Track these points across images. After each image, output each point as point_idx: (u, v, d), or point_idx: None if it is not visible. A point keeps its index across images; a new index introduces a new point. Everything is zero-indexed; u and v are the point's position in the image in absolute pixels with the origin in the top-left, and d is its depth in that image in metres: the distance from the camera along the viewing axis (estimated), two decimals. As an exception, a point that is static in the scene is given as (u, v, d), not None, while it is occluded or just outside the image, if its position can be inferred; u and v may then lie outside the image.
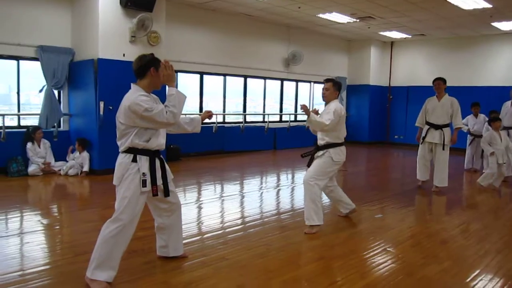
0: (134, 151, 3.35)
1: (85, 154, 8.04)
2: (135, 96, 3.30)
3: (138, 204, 3.37)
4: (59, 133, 8.59)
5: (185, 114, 9.67)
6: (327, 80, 5.20)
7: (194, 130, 3.93)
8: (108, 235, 3.29)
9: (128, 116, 3.29)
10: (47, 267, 3.75)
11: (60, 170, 8.00)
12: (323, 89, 5.16)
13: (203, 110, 10.15)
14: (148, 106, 3.25)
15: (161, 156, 3.57)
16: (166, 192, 3.56)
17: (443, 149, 7.18)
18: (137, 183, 3.32)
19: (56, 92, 8.52)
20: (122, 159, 3.37)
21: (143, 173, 3.34)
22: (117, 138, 3.42)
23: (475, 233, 5.15)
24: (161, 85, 3.52)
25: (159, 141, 3.47)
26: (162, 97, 3.49)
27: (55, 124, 8.46)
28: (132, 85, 3.45)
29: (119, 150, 3.42)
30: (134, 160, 3.34)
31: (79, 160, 8.03)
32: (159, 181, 3.46)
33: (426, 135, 7.37)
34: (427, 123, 7.37)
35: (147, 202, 3.55)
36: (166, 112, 3.31)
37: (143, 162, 3.36)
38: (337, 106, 5.02)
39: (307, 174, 5.06)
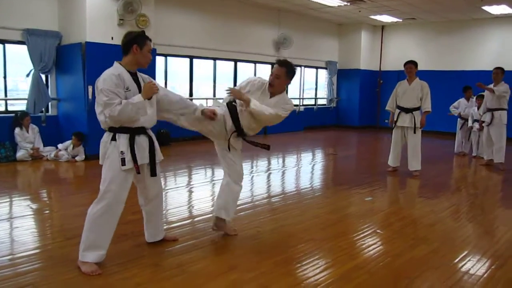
0: (113, 130, 3.31)
1: (81, 148, 7.95)
2: (108, 73, 3.25)
3: (123, 183, 3.32)
4: (48, 118, 8.49)
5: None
6: (280, 63, 3.95)
7: (139, 120, 3.40)
8: (94, 216, 3.27)
9: (96, 92, 3.27)
10: (37, 251, 3.73)
11: (48, 155, 7.92)
12: (271, 75, 3.95)
13: (196, 99, 9.99)
14: (103, 87, 3.17)
15: (151, 134, 3.49)
16: (153, 172, 3.50)
17: (414, 132, 7.19)
18: (117, 162, 3.27)
19: (43, 76, 8.39)
20: (103, 138, 3.35)
21: (121, 151, 3.27)
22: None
23: (463, 215, 5.22)
24: (147, 64, 3.45)
25: (143, 119, 3.36)
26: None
27: (43, 109, 8.36)
28: (115, 62, 3.39)
29: (102, 127, 3.38)
30: (114, 138, 3.29)
31: (74, 152, 7.92)
32: (141, 160, 3.37)
33: (397, 119, 7.33)
34: (398, 107, 7.33)
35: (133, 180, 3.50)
36: (114, 110, 3.16)
37: (122, 140, 3.29)
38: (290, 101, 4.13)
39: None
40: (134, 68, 3.42)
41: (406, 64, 7.23)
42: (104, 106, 3.18)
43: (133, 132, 3.34)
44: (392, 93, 7.48)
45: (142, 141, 3.39)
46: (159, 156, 3.56)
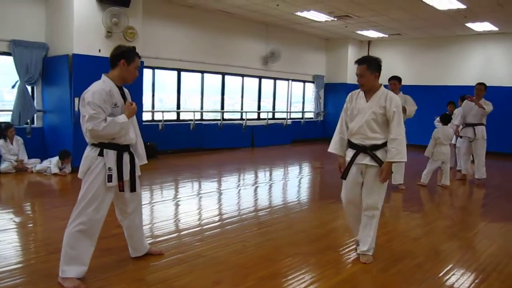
0: (101, 145, 3.29)
1: (69, 164, 7.84)
2: (97, 87, 3.25)
3: (104, 199, 3.31)
4: (33, 129, 8.41)
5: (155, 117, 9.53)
6: (358, 62, 3.94)
7: (121, 138, 3.39)
8: (73, 230, 3.23)
9: (82, 105, 3.25)
10: (20, 265, 3.67)
11: (32, 167, 7.82)
12: (357, 74, 3.95)
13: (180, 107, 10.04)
14: (91, 101, 3.16)
15: (132, 151, 3.51)
16: (132, 187, 3.50)
17: None
18: (102, 178, 3.26)
19: (29, 88, 8.34)
20: (88, 152, 3.30)
21: (109, 167, 3.27)
22: (83, 132, 3.31)
23: (448, 229, 5.26)
24: (132, 80, 3.45)
25: (128, 136, 3.40)
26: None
27: (29, 121, 8.28)
28: (103, 75, 3.39)
29: (87, 141, 3.34)
30: (101, 154, 3.27)
31: (64, 169, 7.80)
32: (126, 177, 3.40)
33: None
34: None
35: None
36: (98, 125, 3.17)
37: (110, 156, 3.29)
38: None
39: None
40: (121, 83, 3.42)
41: (390, 79, 7.22)
42: (88, 119, 3.16)
43: (121, 149, 3.35)
44: None
45: (126, 158, 3.40)
46: (138, 171, 3.57)
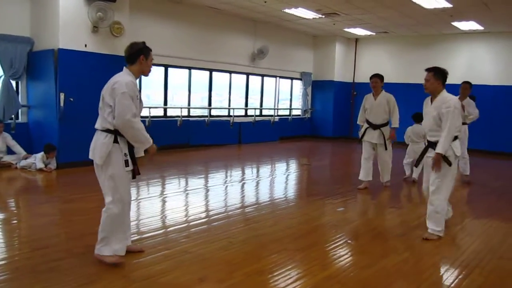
0: (114, 132, 3.48)
1: (54, 160, 7.74)
2: (127, 78, 3.48)
3: (127, 181, 3.58)
4: (17, 125, 8.28)
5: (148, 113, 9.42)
6: (428, 70, 4.69)
7: (141, 144, 3.64)
8: (114, 215, 3.50)
9: (111, 94, 3.44)
10: (3, 262, 3.62)
11: (16, 163, 7.72)
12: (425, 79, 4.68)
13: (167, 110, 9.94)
14: (126, 91, 3.39)
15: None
16: (137, 174, 3.70)
17: (386, 148, 7.04)
18: (121, 163, 3.49)
19: (14, 82, 8.21)
20: (104, 139, 3.48)
21: (125, 153, 3.51)
22: (99, 118, 3.54)
23: (433, 226, 5.31)
24: (149, 73, 3.73)
25: None
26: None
27: (13, 116, 8.17)
28: (125, 68, 3.62)
29: (96, 127, 3.54)
30: (115, 141, 3.48)
31: (46, 163, 7.69)
32: (134, 163, 3.64)
33: (364, 133, 7.11)
34: (367, 121, 7.11)
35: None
36: (130, 119, 3.40)
37: (123, 143, 3.51)
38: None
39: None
40: (139, 76, 3.70)
41: (371, 77, 7.04)
42: (126, 110, 3.37)
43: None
44: (361, 107, 7.30)
45: (131, 146, 3.62)
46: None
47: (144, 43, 3.68)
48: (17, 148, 7.85)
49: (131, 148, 3.60)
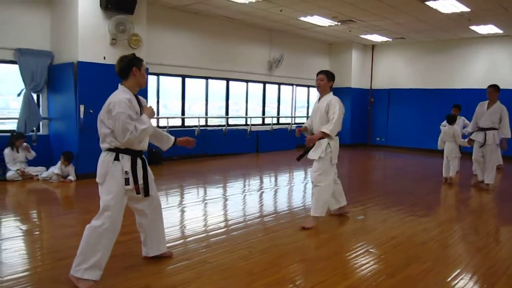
0: (116, 150, 3.40)
1: (70, 167, 7.83)
2: (120, 97, 3.36)
3: (122, 202, 3.43)
4: (39, 137, 8.44)
5: (165, 124, 9.55)
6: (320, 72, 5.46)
7: (161, 147, 3.94)
8: (95, 233, 3.31)
9: (108, 115, 3.35)
10: (26, 273, 3.67)
11: (38, 175, 7.84)
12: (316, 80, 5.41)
13: (184, 121, 10.07)
14: (122, 110, 3.30)
15: (143, 156, 3.61)
16: (146, 192, 3.60)
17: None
18: (120, 181, 3.37)
19: (35, 95, 8.38)
20: (105, 157, 3.42)
21: (126, 171, 3.39)
22: (101, 138, 3.45)
23: (455, 233, 5.22)
24: (145, 84, 3.60)
25: (143, 142, 3.53)
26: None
27: (34, 128, 8.32)
28: (120, 85, 3.51)
29: (101, 147, 3.46)
30: (117, 158, 3.39)
31: (64, 172, 7.81)
32: (140, 180, 3.51)
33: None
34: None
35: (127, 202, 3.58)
36: (131, 132, 3.33)
37: (125, 161, 3.41)
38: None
39: None
40: (136, 91, 3.56)
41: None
42: (123, 130, 3.29)
43: (134, 154, 3.47)
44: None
45: (139, 163, 3.52)
46: (151, 176, 3.70)
47: (134, 54, 3.57)
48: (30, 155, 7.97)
49: (144, 165, 3.55)
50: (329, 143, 5.23)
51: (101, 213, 3.36)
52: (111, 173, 3.37)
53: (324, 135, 5.21)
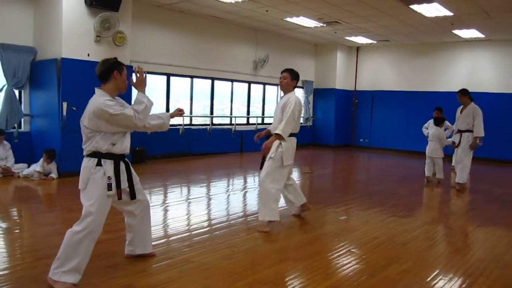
0: (98, 155, 3.35)
1: (52, 165, 7.72)
2: (101, 101, 3.29)
3: (104, 208, 3.39)
4: (20, 134, 8.32)
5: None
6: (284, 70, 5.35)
7: (162, 127, 3.87)
8: (77, 238, 3.26)
9: (92, 120, 3.29)
10: (5, 272, 3.62)
11: (19, 172, 7.73)
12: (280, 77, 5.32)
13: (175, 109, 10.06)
14: (113, 111, 3.26)
15: (126, 159, 3.58)
16: (132, 195, 3.58)
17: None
18: (102, 187, 3.33)
19: (17, 92, 8.26)
20: (87, 163, 3.37)
21: (108, 176, 3.34)
22: (83, 142, 3.41)
23: (435, 234, 5.31)
24: (126, 89, 3.54)
25: (124, 146, 3.48)
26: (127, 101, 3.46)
27: (16, 125, 8.20)
28: (96, 89, 3.45)
29: (84, 154, 3.41)
30: (99, 164, 3.34)
31: (46, 170, 7.72)
32: (124, 184, 3.48)
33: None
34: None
35: (113, 204, 3.54)
36: (135, 117, 3.35)
37: (108, 165, 3.37)
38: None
39: None
40: (115, 95, 3.49)
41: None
42: (125, 120, 3.32)
43: (117, 158, 3.43)
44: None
45: (122, 167, 3.49)
46: (136, 178, 3.67)
47: (116, 58, 3.51)
48: (9, 158, 7.83)
49: (128, 168, 3.53)
50: (280, 143, 5.14)
51: (82, 219, 3.30)
52: (92, 179, 3.32)
53: (277, 137, 5.10)
